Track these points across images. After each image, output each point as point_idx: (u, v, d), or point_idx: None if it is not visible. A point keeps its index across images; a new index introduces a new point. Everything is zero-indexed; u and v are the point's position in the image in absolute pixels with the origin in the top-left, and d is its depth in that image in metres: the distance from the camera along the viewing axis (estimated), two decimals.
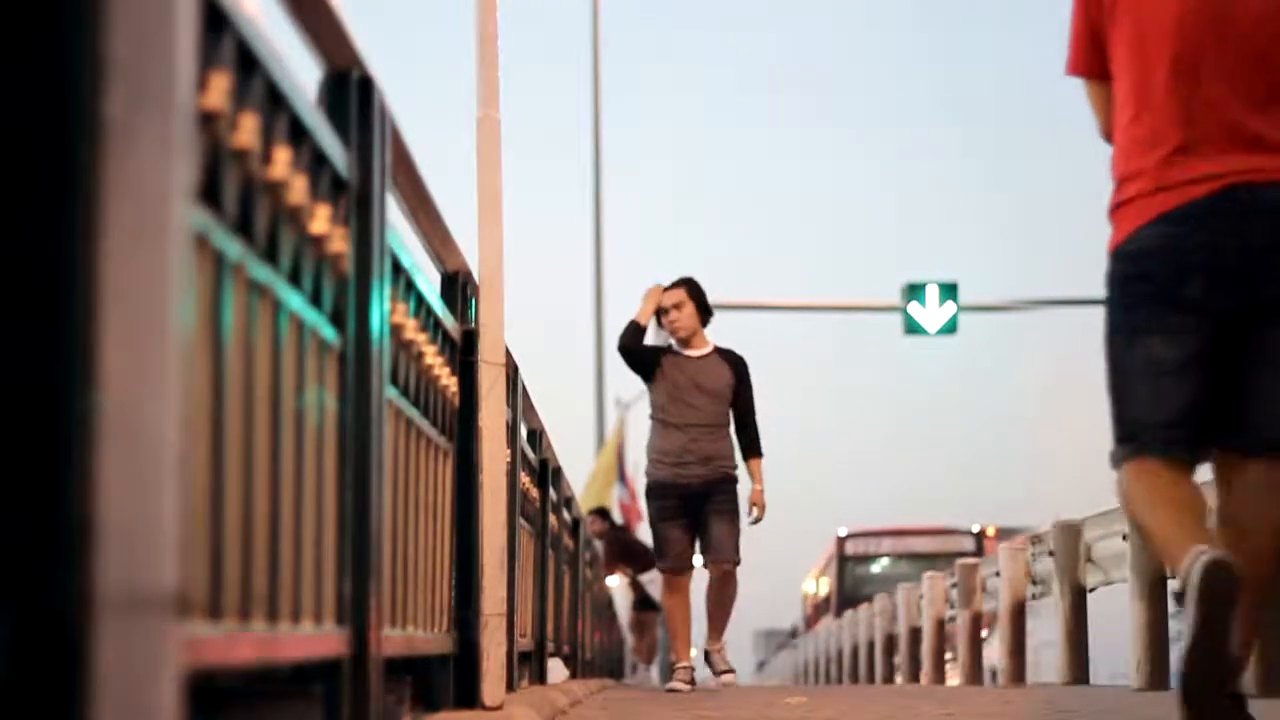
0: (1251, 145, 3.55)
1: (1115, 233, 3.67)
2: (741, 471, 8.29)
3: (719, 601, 8.17)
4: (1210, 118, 3.58)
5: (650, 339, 8.69)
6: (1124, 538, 8.31)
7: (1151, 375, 3.57)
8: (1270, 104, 3.59)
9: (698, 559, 8.35)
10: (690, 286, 8.44)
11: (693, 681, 8.09)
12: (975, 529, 26.76)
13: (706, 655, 8.28)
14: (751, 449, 8.24)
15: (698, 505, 8.13)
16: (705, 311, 8.39)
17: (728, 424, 8.27)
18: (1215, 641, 3.33)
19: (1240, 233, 3.51)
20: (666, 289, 8.39)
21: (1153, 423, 3.57)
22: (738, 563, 8.16)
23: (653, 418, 8.36)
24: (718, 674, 8.34)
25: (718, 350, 8.38)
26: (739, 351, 8.46)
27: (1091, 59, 3.80)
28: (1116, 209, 3.67)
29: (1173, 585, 3.55)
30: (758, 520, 8.19)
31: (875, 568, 28.18)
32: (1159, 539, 3.57)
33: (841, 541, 28.89)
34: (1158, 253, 3.56)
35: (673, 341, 8.38)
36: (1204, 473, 3.64)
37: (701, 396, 8.21)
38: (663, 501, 8.22)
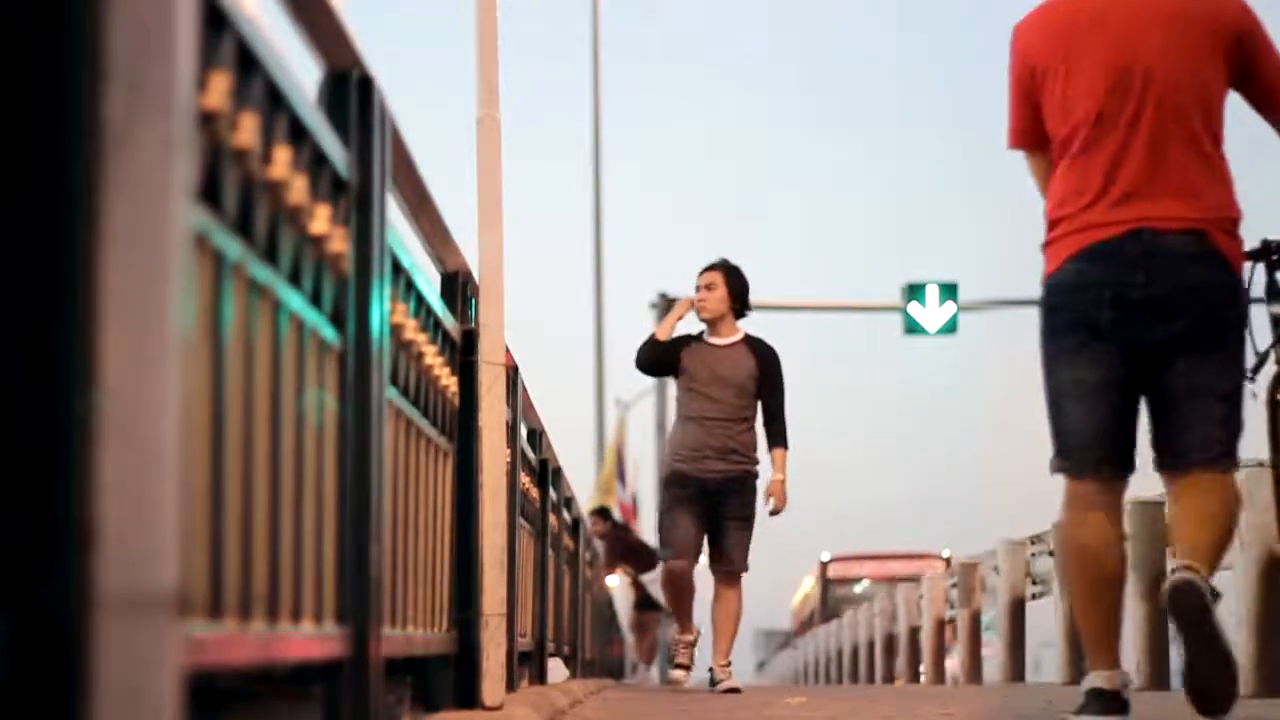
0: (1160, 195, 3.99)
1: (1045, 268, 4.14)
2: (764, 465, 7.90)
3: (726, 613, 7.87)
4: (1126, 169, 4.03)
5: (683, 327, 8.15)
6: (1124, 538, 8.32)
7: (1077, 395, 4.01)
8: (1180, 159, 4.01)
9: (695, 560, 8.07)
10: (728, 270, 7.99)
11: (691, 662, 7.96)
12: (946, 554, 28.54)
13: (711, 673, 7.87)
14: (776, 439, 7.84)
15: (713, 503, 7.80)
16: (739, 300, 7.92)
17: (751, 418, 7.86)
18: (1206, 645, 3.81)
19: (1144, 271, 3.96)
20: (703, 271, 7.99)
21: (1083, 439, 4.02)
22: (744, 570, 7.91)
23: (676, 412, 8.06)
24: (725, 692, 7.61)
25: (746, 339, 7.94)
26: (769, 343, 8.00)
27: (1030, 132, 4.24)
28: (1045, 246, 4.16)
29: (1084, 683, 4.08)
30: (776, 512, 7.83)
31: (856, 589, 30.55)
32: (1078, 620, 4.16)
33: (824, 565, 32.29)
34: (1074, 286, 4.02)
35: (703, 327, 7.98)
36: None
37: (722, 388, 7.81)
38: (679, 491, 7.84)
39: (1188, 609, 3.81)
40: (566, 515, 9.50)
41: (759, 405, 7.87)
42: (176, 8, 1.37)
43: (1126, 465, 4.08)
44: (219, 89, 1.70)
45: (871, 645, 17.68)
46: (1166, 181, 4.00)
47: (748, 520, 7.84)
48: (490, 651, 3.97)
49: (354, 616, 2.45)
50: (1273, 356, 4.30)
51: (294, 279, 2.14)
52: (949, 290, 21.13)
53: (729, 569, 7.85)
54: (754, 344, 7.91)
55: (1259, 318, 4.26)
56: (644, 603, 17.46)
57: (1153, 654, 8.17)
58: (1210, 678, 3.82)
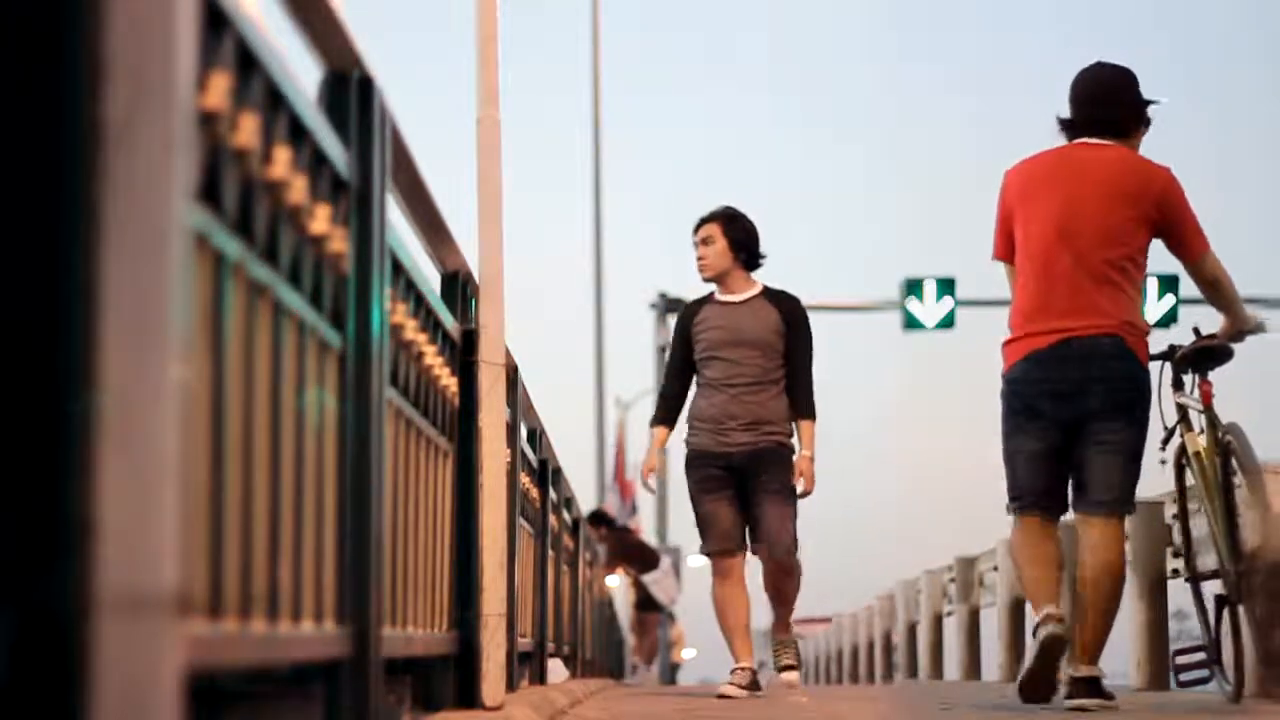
0: (1086, 311, 5.33)
1: (1004, 364, 5.52)
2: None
3: (779, 592, 6.91)
4: (1063, 292, 5.36)
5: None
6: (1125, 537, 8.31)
7: (1026, 458, 5.43)
8: (1102, 285, 5.34)
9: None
10: (725, 219, 7.02)
11: (754, 684, 6.77)
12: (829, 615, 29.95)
13: (774, 648, 7.01)
14: (801, 409, 6.84)
15: (744, 480, 6.78)
16: (743, 250, 6.97)
17: (782, 380, 6.86)
18: (1046, 672, 5.28)
19: (1071, 367, 5.33)
20: (697, 225, 7.08)
21: (1029, 489, 5.44)
22: (795, 553, 6.81)
23: (696, 381, 7.04)
24: (779, 669, 7.08)
25: (766, 292, 6.98)
26: (792, 293, 7.05)
27: (1005, 246, 5.60)
28: (1004, 347, 5.53)
29: (1041, 612, 5.34)
30: (804, 494, 6.80)
31: None
32: (1028, 587, 5.46)
33: None
34: (1023, 380, 5.42)
35: (713, 288, 7.05)
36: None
37: (743, 349, 6.84)
38: (703, 472, 6.86)
39: (1052, 651, 5.23)
40: (566, 515, 9.50)
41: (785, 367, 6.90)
42: (176, 8, 1.37)
43: (1057, 507, 5.48)
44: (219, 89, 1.70)
45: (871, 644, 17.68)
46: (1084, 304, 5.34)
47: (787, 493, 6.75)
48: (490, 651, 3.97)
49: (354, 616, 2.45)
50: (1177, 432, 5.72)
51: (294, 279, 2.14)
52: (946, 285, 21.14)
53: (776, 555, 6.76)
54: (776, 296, 6.97)
55: (1167, 403, 5.64)
56: (644, 603, 17.46)
57: (1153, 654, 8.17)
58: (1037, 698, 5.31)
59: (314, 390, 2.27)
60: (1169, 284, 20.19)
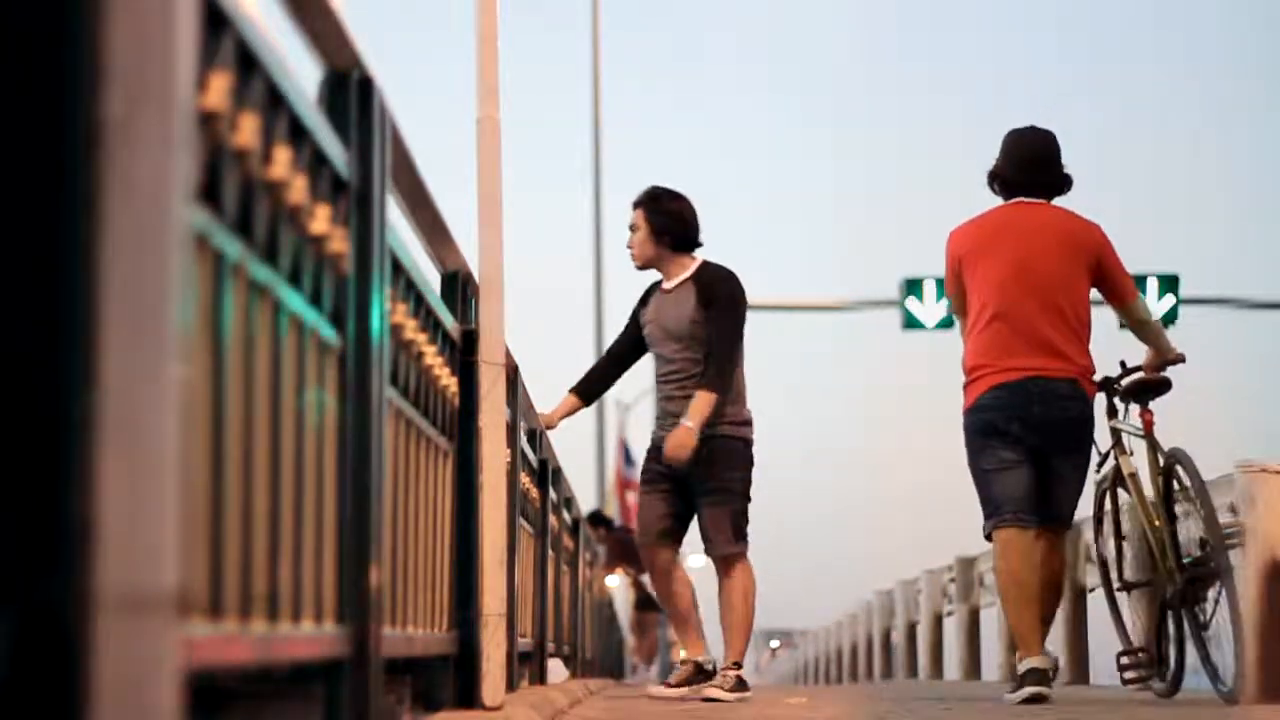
0: (1046, 352, 6.01)
1: (967, 398, 6.18)
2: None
3: (729, 605, 6.51)
4: (1023, 333, 6.03)
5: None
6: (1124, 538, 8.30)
7: (1000, 470, 6.04)
8: (1059, 327, 6.03)
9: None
10: (646, 204, 6.61)
11: (692, 679, 6.52)
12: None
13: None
14: (703, 380, 6.35)
15: (685, 479, 6.49)
16: (667, 234, 6.54)
17: None
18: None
19: (1035, 403, 6.01)
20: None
21: (1008, 498, 6.04)
22: (739, 551, 6.49)
23: None
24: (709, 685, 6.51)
25: (695, 273, 6.55)
26: (726, 267, 6.59)
27: (958, 300, 6.27)
28: (969, 384, 6.19)
29: (1024, 664, 6.03)
30: (676, 463, 6.36)
31: None
32: (1014, 628, 6.09)
33: None
34: (993, 407, 6.06)
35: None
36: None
37: (669, 343, 6.53)
38: (649, 465, 6.66)
39: (1038, 692, 5.88)
40: (566, 515, 9.49)
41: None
42: (176, 8, 1.37)
43: (1035, 513, 6.06)
44: (219, 89, 1.70)
45: (870, 643, 17.68)
46: (1049, 348, 6.01)
47: (723, 493, 6.46)
48: (490, 651, 3.97)
49: (354, 616, 2.45)
50: (1111, 455, 6.45)
51: (294, 279, 2.14)
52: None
53: (714, 554, 6.52)
54: (700, 275, 6.53)
55: (1102, 429, 6.33)
56: (644, 603, 17.47)
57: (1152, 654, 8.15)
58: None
59: (314, 390, 2.27)
60: (1169, 284, 20.10)
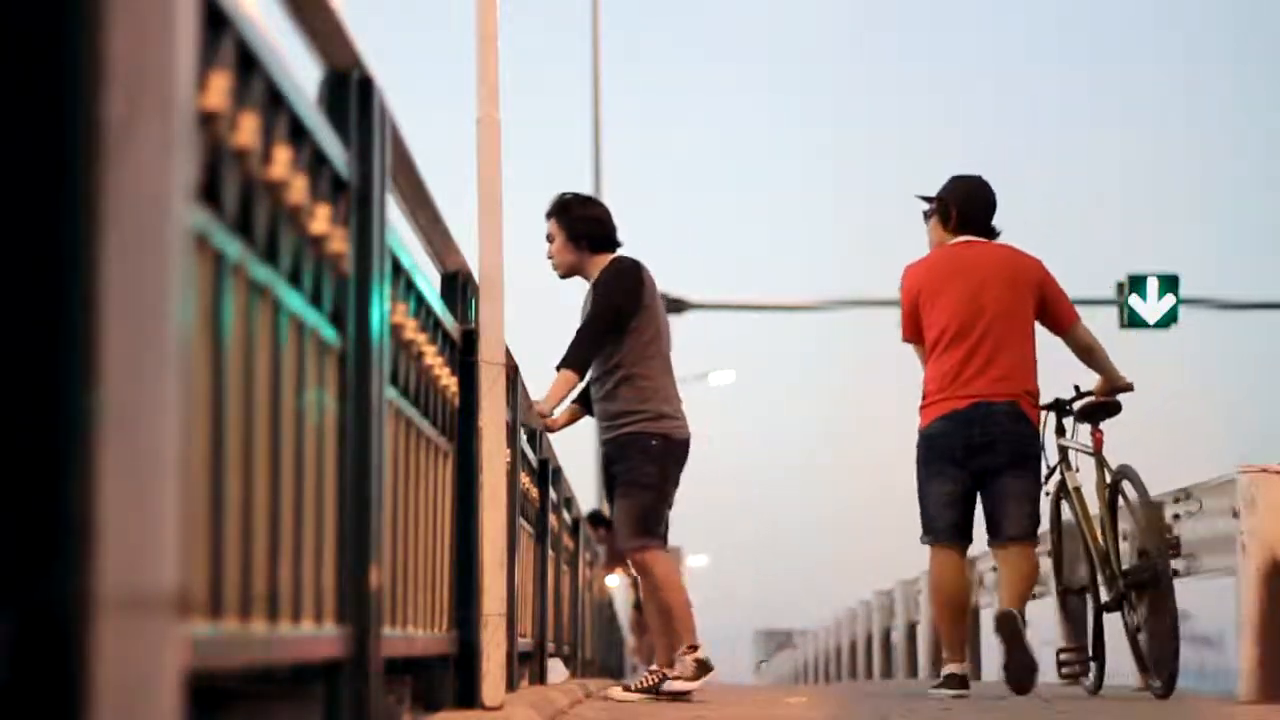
0: (994, 378, 6.60)
1: (921, 420, 6.75)
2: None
3: (652, 605, 6.47)
4: (972, 363, 6.61)
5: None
6: (1124, 536, 8.31)
7: (941, 498, 6.67)
8: (1007, 354, 6.62)
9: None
10: (557, 213, 6.52)
11: (648, 687, 6.36)
12: None
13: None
14: (564, 358, 6.26)
15: (611, 478, 6.48)
16: (584, 238, 6.47)
17: (618, 367, 6.38)
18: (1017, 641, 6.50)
19: (978, 427, 6.60)
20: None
21: (944, 524, 6.69)
22: (641, 547, 6.33)
23: None
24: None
25: (601, 270, 6.47)
26: (629, 258, 6.51)
27: (915, 331, 6.84)
28: (923, 408, 6.75)
29: (947, 669, 6.84)
30: (525, 428, 6.19)
31: None
32: (944, 639, 6.95)
33: None
34: (941, 435, 6.66)
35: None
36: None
37: None
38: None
39: (1008, 630, 6.42)
40: (566, 515, 9.49)
41: (627, 346, 6.39)
42: (176, 8, 1.37)
43: (967, 537, 6.76)
44: (219, 89, 1.70)
45: (870, 642, 17.67)
46: (994, 374, 6.59)
47: (628, 486, 6.33)
48: (490, 651, 3.97)
49: (354, 616, 2.45)
50: (1058, 471, 6.98)
51: (294, 279, 2.14)
52: None
53: (619, 547, 6.50)
54: (604, 269, 6.47)
55: (1051, 446, 6.90)
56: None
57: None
58: (1022, 675, 6.40)
59: (314, 390, 2.27)
60: (1169, 284, 19.99)
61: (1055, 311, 6.75)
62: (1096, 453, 6.83)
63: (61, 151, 1.25)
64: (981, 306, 6.60)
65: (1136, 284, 19.55)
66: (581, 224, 6.49)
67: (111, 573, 1.24)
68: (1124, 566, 6.68)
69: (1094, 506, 6.90)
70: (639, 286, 6.41)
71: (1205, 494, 7.18)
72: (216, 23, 1.68)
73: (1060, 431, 6.95)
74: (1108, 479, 6.76)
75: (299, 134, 2.11)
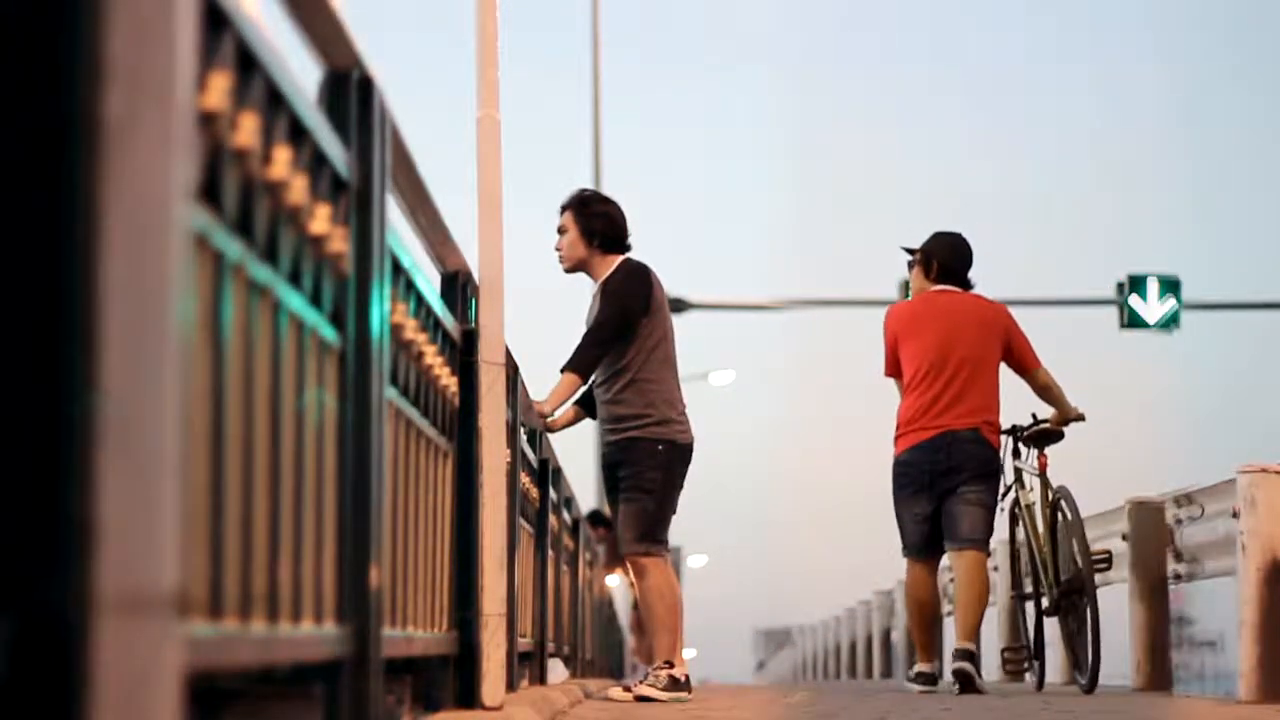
0: (960, 410, 7.46)
1: (896, 447, 7.62)
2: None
3: (645, 608, 6.44)
4: (943, 398, 7.47)
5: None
6: (1124, 538, 8.31)
7: (915, 520, 7.53)
8: (974, 389, 7.47)
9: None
10: (575, 206, 6.53)
11: (656, 686, 6.25)
12: None
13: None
14: (569, 360, 6.29)
15: (614, 483, 6.49)
16: (597, 236, 6.46)
17: (626, 369, 6.37)
18: (970, 685, 7.22)
19: (944, 453, 7.45)
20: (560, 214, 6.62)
21: (918, 542, 7.54)
22: (642, 552, 6.35)
23: None
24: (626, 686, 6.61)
25: (610, 272, 6.48)
26: (638, 262, 6.54)
27: (894, 368, 7.71)
28: (897, 438, 7.63)
29: (915, 669, 7.76)
30: (525, 428, 6.15)
31: None
32: (916, 642, 7.83)
33: None
34: (913, 462, 7.53)
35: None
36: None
37: None
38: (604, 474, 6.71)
39: (963, 677, 7.20)
40: (566, 515, 9.49)
41: (635, 350, 6.40)
42: (176, 8, 1.37)
43: (938, 552, 7.59)
44: (219, 89, 1.70)
45: (870, 642, 17.68)
46: (961, 409, 7.45)
47: (633, 491, 6.34)
48: (490, 651, 3.97)
49: (354, 616, 2.45)
50: (1013, 490, 7.78)
51: (294, 279, 2.14)
52: None
53: (621, 552, 6.50)
54: (613, 271, 6.46)
55: (1009, 467, 7.72)
56: None
57: (1153, 655, 8.17)
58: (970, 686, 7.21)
59: (314, 390, 2.27)
60: (1170, 286, 19.90)
61: (1020, 355, 7.63)
62: (1041, 474, 7.70)
63: (61, 151, 1.25)
64: (953, 349, 7.47)
65: (1137, 284, 19.54)
66: (597, 221, 6.47)
67: (111, 573, 1.24)
68: (1063, 576, 7.52)
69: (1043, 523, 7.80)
70: (648, 291, 6.42)
71: (1206, 497, 7.18)
72: (216, 23, 1.68)
73: (1016, 455, 7.81)
74: (1049, 498, 7.64)
75: (299, 134, 2.11)
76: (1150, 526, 8.21)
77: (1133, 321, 19.47)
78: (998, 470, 7.53)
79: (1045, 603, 7.70)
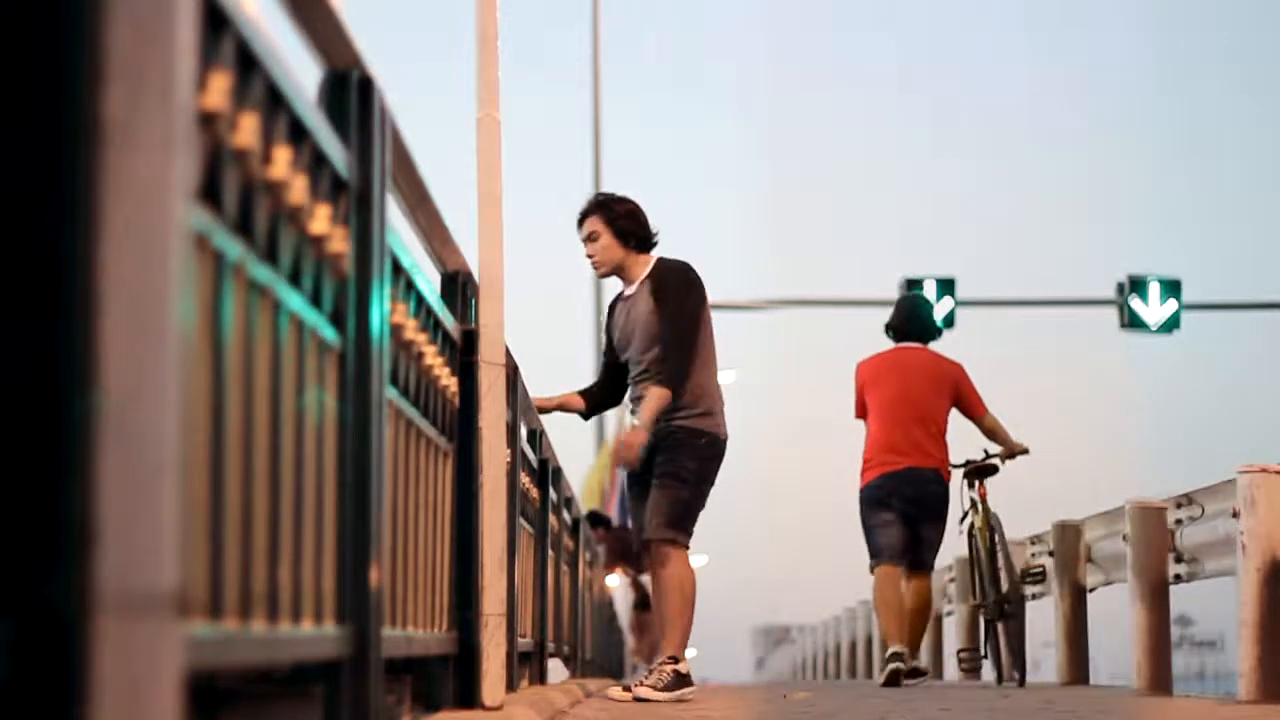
0: (917, 451, 8.93)
1: (862, 479, 9.05)
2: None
3: (662, 597, 6.38)
4: (906, 439, 8.94)
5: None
6: (1124, 538, 8.32)
7: (883, 526, 8.88)
8: (927, 434, 8.95)
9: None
10: (603, 207, 6.49)
11: (657, 685, 6.22)
12: None
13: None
14: (659, 375, 6.30)
15: (649, 473, 6.42)
16: (632, 236, 6.45)
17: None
18: (893, 682, 8.52)
19: (910, 486, 8.90)
20: (579, 222, 6.57)
21: (887, 547, 8.87)
22: (669, 539, 6.31)
23: None
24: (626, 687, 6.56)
25: (650, 271, 6.47)
26: (681, 260, 6.54)
27: (862, 411, 9.15)
28: (864, 470, 9.05)
29: (890, 649, 8.85)
30: (624, 464, 6.40)
31: None
32: (884, 628, 8.94)
33: None
34: (880, 487, 8.94)
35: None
36: None
37: (634, 346, 6.43)
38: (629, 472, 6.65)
39: (891, 675, 8.52)
40: (566, 515, 9.49)
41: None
42: (176, 8, 1.37)
43: (904, 558, 8.90)
44: (219, 89, 1.70)
45: (870, 641, 17.65)
46: (919, 452, 8.92)
47: (669, 478, 6.31)
48: (490, 651, 3.97)
49: (354, 616, 2.45)
50: (968, 516, 9.12)
51: (294, 279, 2.14)
52: (946, 286, 21.07)
53: (645, 537, 6.39)
54: (655, 270, 6.47)
55: (965, 496, 9.14)
56: (644, 603, 17.45)
57: (1153, 655, 8.17)
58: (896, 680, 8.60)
59: (314, 390, 2.27)
60: (1171, 288, 19.85)
61: (969, 404, 9.15)
62: (982, 501, 9.11)
63: (61, 151, 1.25)
64: (909, 397, 8.97)
65: (1137, 285, 19.54)
66: (626, 221, 6.46)
67: (111, 573, 1.24)
68: (1003, 590, 8.84)
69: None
70: (702, 290, 6.50)
71: (1206, 497, 7.18)
72: (216, 23, 1.68)
73: (970, 485, 9.18)
74: (990, 523, 9.04)
75: (299, 134, 2.11)
76: (1151, 529, 8.20)
77: (1133, 322, 19.47)
78: (947, 506, 9.00)
79: (986, 613, 9.17)
